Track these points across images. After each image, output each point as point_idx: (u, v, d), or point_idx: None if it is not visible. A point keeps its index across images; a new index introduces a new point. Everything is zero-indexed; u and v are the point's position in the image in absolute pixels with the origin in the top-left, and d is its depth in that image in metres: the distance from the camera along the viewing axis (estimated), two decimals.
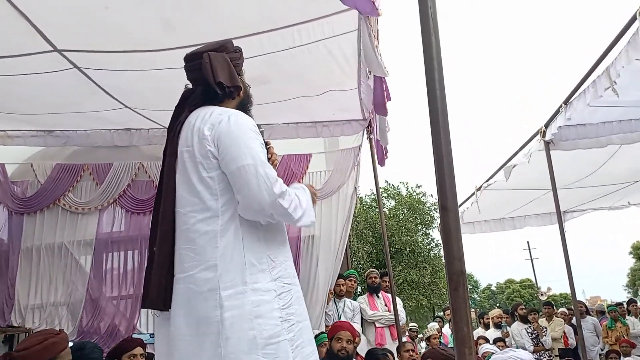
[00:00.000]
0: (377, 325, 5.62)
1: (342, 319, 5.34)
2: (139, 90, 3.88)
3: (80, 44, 3.15)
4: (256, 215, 1.75)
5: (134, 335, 4.45)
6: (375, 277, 5.95)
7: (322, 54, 3.52)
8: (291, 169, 5.44)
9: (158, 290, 1.75)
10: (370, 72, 3.54)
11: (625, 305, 8.89)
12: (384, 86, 3.42)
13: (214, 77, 1.88)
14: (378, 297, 5.86)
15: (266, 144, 1.92)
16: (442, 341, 7.71)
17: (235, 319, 1.63)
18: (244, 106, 2.02)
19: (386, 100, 3.50)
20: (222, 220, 1.74)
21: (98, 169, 5.31)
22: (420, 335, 7.31)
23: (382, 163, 4.90)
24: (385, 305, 5.74)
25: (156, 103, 4.11)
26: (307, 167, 5.52)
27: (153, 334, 4.90)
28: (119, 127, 4.94)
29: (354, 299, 5.92)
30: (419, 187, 23.42)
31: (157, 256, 1.81)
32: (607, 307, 9.02)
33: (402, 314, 5.89)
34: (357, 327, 5.31)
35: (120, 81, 3.68)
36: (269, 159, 1.87)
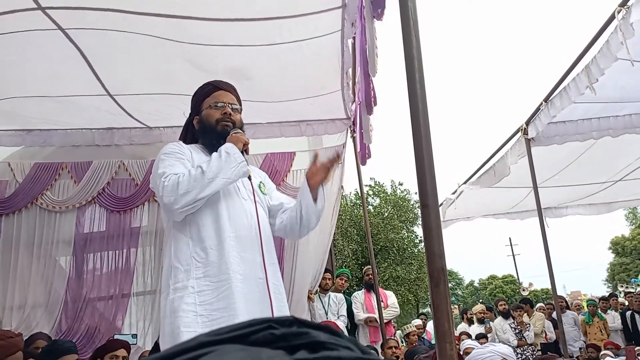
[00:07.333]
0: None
1: (328, 312, 5.44)
2: (123, 52, 3.65)
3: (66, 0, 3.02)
4: (175, 215, 1.95)
5: (116, 336, 4.41)
6: (372, 274, 6.07)
7: (305, 55, 3.51)
8: (275, 167, 5.42)
9: None
10: (356, 71, 3.54)
11: (608, 299, 9.03)
12: (372, 86, 3.41)
13: None
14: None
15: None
16: (425, 337, 7.76)
17: (162, 317, 1.94)
18: (202, 133, 2.22)
19: (373, 100, 3.50)
20: (168, 237, 2.08)
21: (77, 167, 5.20)
22: (399, 332, 7.33)
23: (363, 162, 4.92)
24: (382, 300, 5.83)
25: (139, 77, 3.93)
26: (291, 165, 5.51)
27: (135, 334, 4.86)
28: (100, 126, 4.87)
29: (349, 295, 6.05)
30: (401, 184, 23.57)
31: None
32: (587, 302, 9.16)
33: (396, 310, 5.99)
34: (343, 319, 5.49)
35: (104, 44, 3.49)
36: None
